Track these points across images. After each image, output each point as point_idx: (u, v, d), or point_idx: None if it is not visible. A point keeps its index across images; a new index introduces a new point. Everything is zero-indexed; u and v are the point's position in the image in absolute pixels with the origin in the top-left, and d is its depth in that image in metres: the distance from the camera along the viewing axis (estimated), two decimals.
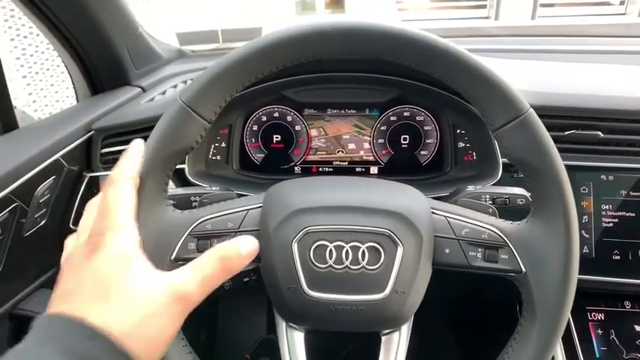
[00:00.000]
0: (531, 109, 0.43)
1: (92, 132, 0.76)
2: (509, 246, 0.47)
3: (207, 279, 0.35)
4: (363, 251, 0.46)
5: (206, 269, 0.35)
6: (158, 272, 0.35)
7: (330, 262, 0.46)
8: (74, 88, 0.89)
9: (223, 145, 0.81)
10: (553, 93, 0.72)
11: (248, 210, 0.50)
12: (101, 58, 0.83)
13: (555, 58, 0.95)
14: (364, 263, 0.46)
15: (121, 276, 0.32)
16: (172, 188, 0.61)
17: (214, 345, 1.18)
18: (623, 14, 4.55)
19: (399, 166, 0.82)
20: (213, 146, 0.81)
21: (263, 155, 0.84)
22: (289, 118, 0.82)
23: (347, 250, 0.46)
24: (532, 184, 0.46)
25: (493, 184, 0.69)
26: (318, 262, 0.46)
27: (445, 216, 0.50)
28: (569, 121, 0.70)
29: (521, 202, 0.59)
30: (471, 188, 0.61)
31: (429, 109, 0.80)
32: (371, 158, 0.82)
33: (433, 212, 0.50)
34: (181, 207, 0.52)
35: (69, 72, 0.86)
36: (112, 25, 0.79)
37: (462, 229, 0.49)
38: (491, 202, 0.59)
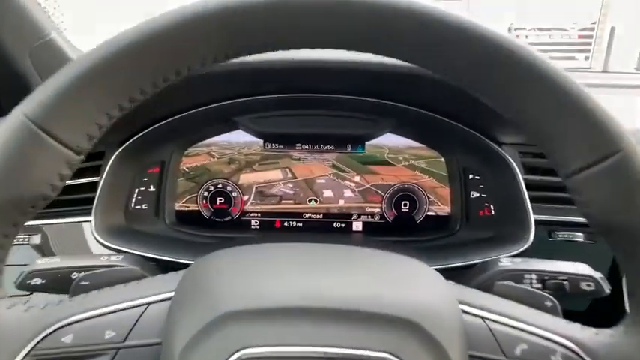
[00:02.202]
0: (633, 144, 0.31)
1: None
2: None
3: None
4: None
5: None
6: None
7: None
8: None
9: (152, 189, 0.70)
10: None
11: (148, 304, 0.34)
12: None
13: None
14: None
15: None
16: (44, 259, 0.47)
17: None
18: (588, 69, 5.12)
19: (392, 223, 0.72)
20: (137, 191, 0.70)
21: (208, 205, 0.73)
22: None
23: None
24: (626, 264, 0.32)
25: (523, 253, 0.58)
26: None
27: (483, 317, 0.34)
28: None
29: (588, 287, 0.46)
30: (506, 262, 0.47)
31: (432, 146, 0.70)
32: (354, 211, 0.72)
33: (464, 311, 0.34)
34: (57, 290, 0.44)
35: None
36: (7, 29, 0.68)
37: (516, 344, 0.33)
38: (539, 284, 0.46)
